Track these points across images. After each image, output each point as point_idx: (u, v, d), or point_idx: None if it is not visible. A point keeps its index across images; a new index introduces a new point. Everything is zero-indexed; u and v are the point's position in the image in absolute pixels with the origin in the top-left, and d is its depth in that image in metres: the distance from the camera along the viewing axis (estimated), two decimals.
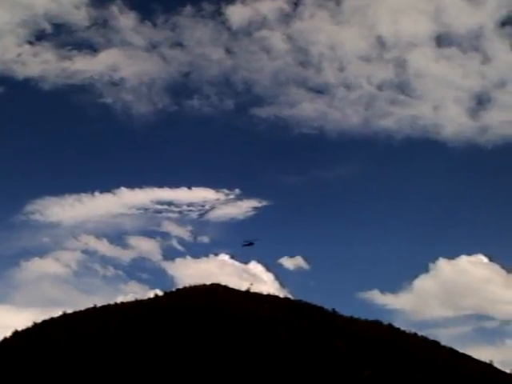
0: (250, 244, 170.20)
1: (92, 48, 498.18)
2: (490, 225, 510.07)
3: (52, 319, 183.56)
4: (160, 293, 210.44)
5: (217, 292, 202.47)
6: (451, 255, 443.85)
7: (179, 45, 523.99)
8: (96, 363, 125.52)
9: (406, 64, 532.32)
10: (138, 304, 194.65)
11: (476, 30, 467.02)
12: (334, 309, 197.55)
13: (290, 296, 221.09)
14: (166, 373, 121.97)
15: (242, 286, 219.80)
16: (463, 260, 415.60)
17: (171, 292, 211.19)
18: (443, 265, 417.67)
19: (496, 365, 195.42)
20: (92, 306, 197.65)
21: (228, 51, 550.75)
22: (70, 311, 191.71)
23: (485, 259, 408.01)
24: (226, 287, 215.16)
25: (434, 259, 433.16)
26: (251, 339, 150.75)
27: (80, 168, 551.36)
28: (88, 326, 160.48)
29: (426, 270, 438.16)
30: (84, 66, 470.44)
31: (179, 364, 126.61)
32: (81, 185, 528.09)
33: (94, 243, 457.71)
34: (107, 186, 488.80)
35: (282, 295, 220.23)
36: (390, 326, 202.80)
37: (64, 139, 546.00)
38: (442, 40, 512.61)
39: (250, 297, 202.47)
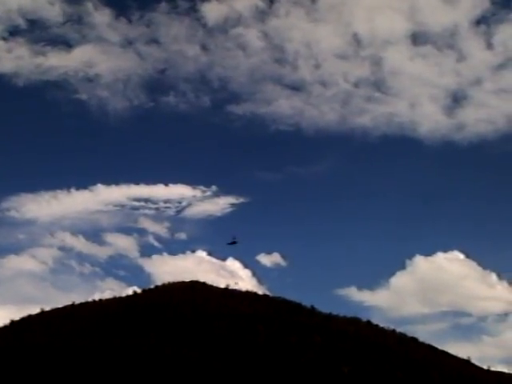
0: (234, 243, 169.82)
1: (67, 44, 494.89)
2: (467, 222, 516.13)
3: (30, 316, 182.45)
4: (138, 290, 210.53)
5: (196, 289, 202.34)
6: (428, 252, 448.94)
7: (155, 41, 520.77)
8: (75, 360, 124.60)
9: (382, 62, 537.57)
10: (116, 301, 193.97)
11: (451, 28, 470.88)
12: (312, 305, 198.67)
13: (267, 293, 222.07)
14: (145, 370, 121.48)
15: (220, 283, 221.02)
16: (440, 257, 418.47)
17: (150, 289, 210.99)
18: (420, 262, 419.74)
19: (473, 361, 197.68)
20: (70, 303, 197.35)
21: (204, 48, 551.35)
22: (47, 308, 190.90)
23: (461, 256, 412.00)
24: (204, 284, 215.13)
25: (411, 256, 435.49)
26: (230, 336, 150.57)
27: (56, 165, 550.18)
28: (66, 324, 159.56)
29: (403, 266, 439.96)
30: (58, 61, 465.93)
31: (158, 361, 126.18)
32: (57, 181, 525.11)
33: (70, 240, 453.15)
34: (83, 183, 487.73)
35: (259, 292, 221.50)
36: (369, 322, 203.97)
37: (39, 136, 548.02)
38: (417, 38, 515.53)
39: (229, 294, 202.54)
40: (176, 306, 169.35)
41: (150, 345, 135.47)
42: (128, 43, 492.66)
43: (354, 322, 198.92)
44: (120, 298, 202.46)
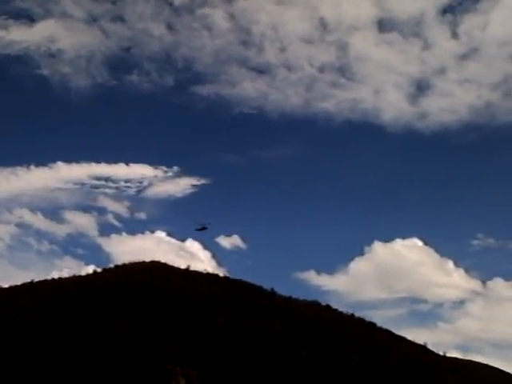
0: (204, 229, 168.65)
1: (29, 18, 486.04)
2: (426, 209, 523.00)
3: None
4: (98, 269, 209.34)
5: (156, 269, 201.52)
6: (386, 238, 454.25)
7: (120, 19, 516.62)
8: (31, 338, 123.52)
9: (348, 47, 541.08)
10: (76, 280, 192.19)
11: (417, 16, 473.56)
12: (272, 288, 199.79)
13: (227, 274, 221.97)
14: (102, 349, 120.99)
15: (179, 264, 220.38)
16: (398, 243, 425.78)
17: (110, 268, 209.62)
18: (378, 248, 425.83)
19: (429, 347, 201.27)
20: (28, 280, 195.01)
21: (169, 27, 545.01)
22: (5, 285, 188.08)
23: (419, 243, 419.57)
24: (165, 265, 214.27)
25: (370, 242, 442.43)
26: (190, 317, 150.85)
27: (15, 141, 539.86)
28: (25, 301, 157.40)
29: (362, 252, 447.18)
30: (20, 36, 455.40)
31: (116, 341, 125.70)
32: (16, 158, 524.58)
33: (28, 217, 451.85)
34: (43, 160, 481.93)
35: (219, 274, 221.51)
36: (328, 306, 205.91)
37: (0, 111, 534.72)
38: (383, 25, 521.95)
39: (189, 275, 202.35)
40: (136, 287, 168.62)
41: (108, 324, 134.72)
42: (92, 20, 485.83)
43: (314, 305, 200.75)
44: (80, 276, 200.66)
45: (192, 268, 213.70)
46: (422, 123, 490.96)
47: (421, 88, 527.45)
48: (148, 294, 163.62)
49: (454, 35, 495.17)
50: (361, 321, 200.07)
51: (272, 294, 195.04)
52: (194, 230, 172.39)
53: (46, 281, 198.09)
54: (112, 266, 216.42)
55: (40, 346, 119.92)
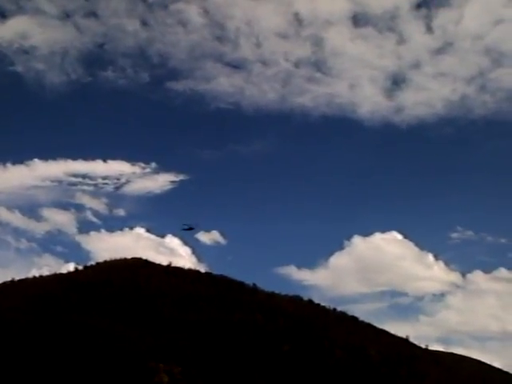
0: (190, 229, 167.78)
1: (1, 14, 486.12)
2: (405, 203, 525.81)
3: None
4: (79, 266, 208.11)
5: (138, 266, 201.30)
6: (366, 233, 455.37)
7: (93, 15, 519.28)
8: (14, 337, 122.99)
9: (323, 42, 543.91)
10: (57, 277, 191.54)
11: (392, 10, 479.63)
12: (254, 283, 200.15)
13: (208, 270, 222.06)
14: (86, 347, 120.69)
15: (159, 260, 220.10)
16: (377, 237, 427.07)
17: (92, 266, 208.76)
18: (358, 242, 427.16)
19: (411, 340, 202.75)
20: (7, 279, 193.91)
21: (144, 23, 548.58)
22: None
23: (399, 236, 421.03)
24: (147, 261, 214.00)
25: (349, 236, 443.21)
26: (173, 314, 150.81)
27: None
28: (5, 300, 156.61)
29: (341, 247, 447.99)
30: None
31: (98, 339, 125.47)
32: None
33: (6, 215, 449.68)
34: (20, 158, 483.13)
35: (200, 270, 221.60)
36: (310, 301, 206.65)
37: None
38: (358, 19, 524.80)
39: (171, 271, 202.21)
40: (118, 284, 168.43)
41: (90, 322, 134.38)
42: (66, 16, 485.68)
43: (296, 300, 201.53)
44: (61, 274, 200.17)
45: (173, 264, 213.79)
46: (398, 117, 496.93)
47: (396, 82, 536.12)
48: (130, 291, 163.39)
49: (429, 29, 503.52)
50: (343, 315, 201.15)
51: (254, 290, 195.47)
52: (180, 229, 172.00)
53: (27, 279, 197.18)
54: (93, 263, 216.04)
55: (22, 344, 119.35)
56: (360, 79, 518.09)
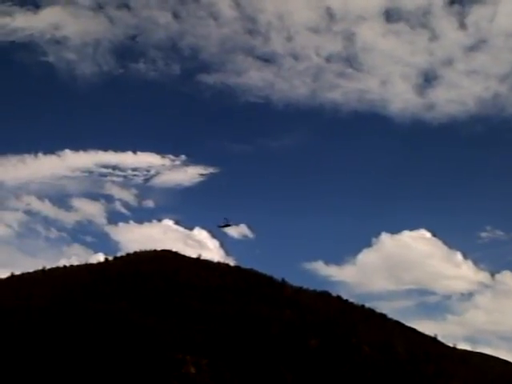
0: (227, 226, 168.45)
1: (34, 5, 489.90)
2: (434, 201, 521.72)
3: None
4: (109, 257, 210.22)
5: (167, 258, 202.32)
6: (394, 230, 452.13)
7: (126, 6, 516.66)
8: (44, 326, 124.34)
9: (355, 37, 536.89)
10: (87, 268, 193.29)
11: (425, 6, 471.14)
12: (283, 278, 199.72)
13: (235, 264, 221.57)
14: (114, 338, 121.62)
15: (187, 252, 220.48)
16: (406, 235, 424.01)
17: (121, 257, 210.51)
18: (386, 239, 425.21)
19: (439, 339, 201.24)
20: (36, 267, 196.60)
21: (175, 16, 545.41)
22: (17, 273, 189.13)
23: (427, 234, 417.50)
24: (176, 254, 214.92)
25: (377, 234, 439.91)
26: (201, 306, 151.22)
27: (23, 128, 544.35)
28: (36, 289, 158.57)
29: (369, 244, 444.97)
30: (25, 23, 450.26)
31: (128, 329, 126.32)
32: (24, 145, 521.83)
33: (36, 204, 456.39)
34: (51, 148, 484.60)
35: (228, 263, 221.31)
36: (339, 297, 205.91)
37: (6, 98, 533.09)
38: (390, 15, 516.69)
39: (200, 264, 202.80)
40: (147, 275, 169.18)
41: (119, 313, 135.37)
42: (98, 7, 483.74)
43: (324, 296, 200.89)
44: (91, 264, 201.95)
45: (202, 257, 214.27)
46: (429, 114, 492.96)
47: (428, 79, 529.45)
48: (159, 283, 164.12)
49: (462, 26, 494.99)
50: (371, 312, 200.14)
51: (282, 284, 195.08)
52: (216, 226, 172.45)
53: (57, 268, 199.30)
54: (123, 254, 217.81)
55: (52, 333, 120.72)
56: (391, 75, 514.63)
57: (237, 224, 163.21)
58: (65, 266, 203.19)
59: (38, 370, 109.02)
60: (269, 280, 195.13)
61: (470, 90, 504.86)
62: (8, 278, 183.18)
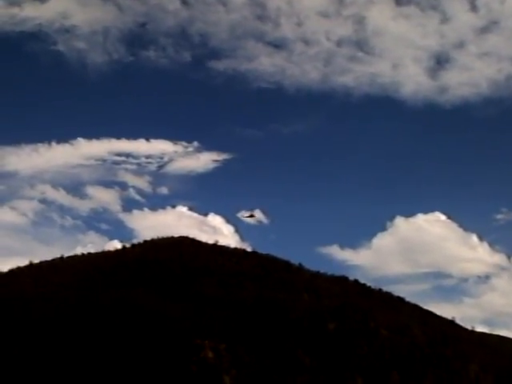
0: (252, 216, 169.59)
1: None
2: (448, 183, 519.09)
3: (18, 268, 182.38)
4: (127, 244, 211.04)
5: (184, 245, 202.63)
6: (408, 213, 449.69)
7: None
8: (62, 313, 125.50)
9: (365, 21, 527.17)
10: (104, 255, 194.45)
11: None
12: (300, 263, 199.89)
13: (251, 249, 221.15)
14: (133, 324, 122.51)
15: (202, 238, 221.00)
16: (420, 218, 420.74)
17: (139, 244, 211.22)
18: (401, 223, 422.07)
19: (457, 322, 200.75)
20: (53, 255, 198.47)
21: (184, 2, 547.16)
22: (35, 261, 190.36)
23: (442, 217, 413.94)
24: (193, 240, 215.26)
25: (392, 217, 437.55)
26: (219, 292, 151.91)
27: (36, 118, 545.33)
28: (55, 277, 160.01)
29: (384, 227, 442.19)
30: (33, 12, 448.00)
31: (147, 316, 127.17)
32: (37, 135, 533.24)
33: (51, 193, 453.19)
34: (64, 137, 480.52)
35: (246, 249, 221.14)
36: (356, 281, 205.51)
37: (18, 88, 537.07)
38: None
39: (217, 250, 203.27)
40: (165, 262, 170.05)
41: (137, 299, 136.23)
42: None
43: (341, 280, 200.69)
44: (109, 251, 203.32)
45: (218, 243, 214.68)
46: (442, 97, 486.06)
47: (440, 62, 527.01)
48: (177, 269, 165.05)
49: (473, 8, 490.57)
50: (388, 296, 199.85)
51: (299, 269, 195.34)
52: (240, 216, 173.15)
53: (75, 256, 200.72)
54: (140, 241, 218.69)
55: (72, 320, 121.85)
56: (403, 59, 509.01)
57: (253, 211, 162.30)
58: (82, 254, 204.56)
59: (58, 356, 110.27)
60: (286, 265, 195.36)
61: (483, 72, 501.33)
62: (27, 267, 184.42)
